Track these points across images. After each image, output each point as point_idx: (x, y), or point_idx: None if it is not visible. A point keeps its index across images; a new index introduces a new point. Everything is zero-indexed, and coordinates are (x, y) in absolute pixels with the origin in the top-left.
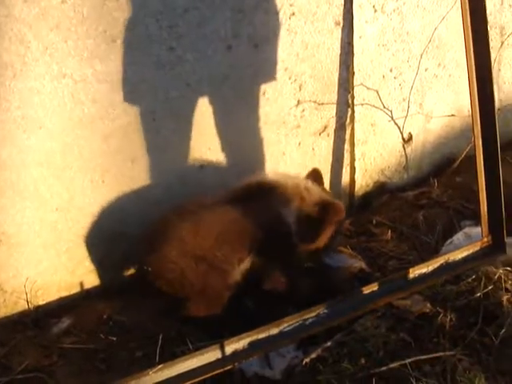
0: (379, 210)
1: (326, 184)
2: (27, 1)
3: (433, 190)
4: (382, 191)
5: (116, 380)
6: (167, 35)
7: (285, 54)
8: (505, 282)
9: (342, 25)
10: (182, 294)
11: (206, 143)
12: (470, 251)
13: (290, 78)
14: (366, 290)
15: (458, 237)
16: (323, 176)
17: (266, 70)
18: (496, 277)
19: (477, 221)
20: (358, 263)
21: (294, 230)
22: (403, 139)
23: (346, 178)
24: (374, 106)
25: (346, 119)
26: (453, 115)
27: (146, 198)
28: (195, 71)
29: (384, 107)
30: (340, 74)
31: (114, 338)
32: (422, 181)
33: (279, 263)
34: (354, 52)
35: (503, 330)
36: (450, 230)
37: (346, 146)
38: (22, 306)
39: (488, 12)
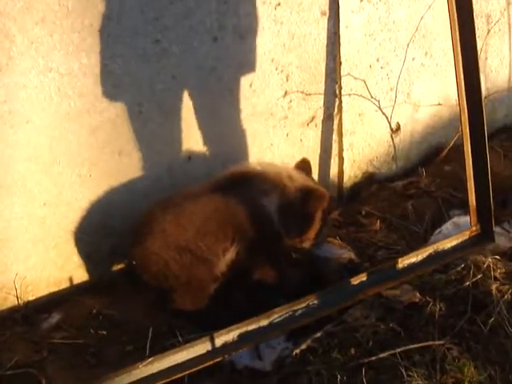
0: (368, 200)
1: (315, 175)
2: None
3: (421, 179)
4: (370, 182)
5: (106, 374)
6: (152, 28)
7: (271, 44)
8: (494, 270)
9: (328, 15)
10: (168, 287)
11: (193, 135)
12: (459, 240)
13: (276, 69)
14: (356, 280)
15: (447, 226)
16: (312, 167)
17: (252, 61)
18: (485, 265)
19: (465, 210)
20: (347, 254)
21: (275, 218)
22: (391, 129)
23: (334, 169)
24: (361, 95)
25: (334, 109)
26: (440, 104)
27: (135, 191)
28: (181, 63)
29: (371, 97)
30: (327, 65)
31: (104, 333)
32: (410, 171)
33: (264, 253)
34: (341, 42)
35: (492, 319)
36: (438, 220)
37: (334, 137)
38: (11, 301)
39: (474, 0)
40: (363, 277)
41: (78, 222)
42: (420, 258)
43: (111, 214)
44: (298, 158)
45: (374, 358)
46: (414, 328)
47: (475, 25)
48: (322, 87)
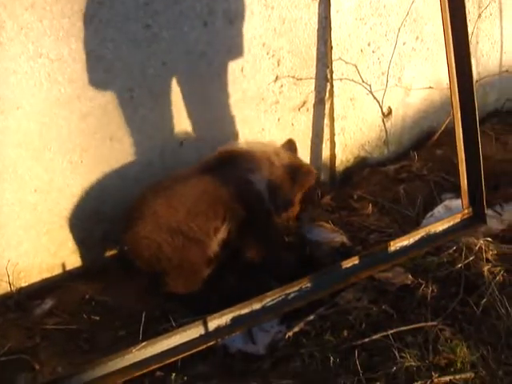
0: (360, 184)
1: (307, 159)
2: None
3: (413, 163)
4: (362, 166)
5: (99, 359)
6: (143, 13)
7: (262, 29)
8: (485, 252)
9: None
10: (160, 270)
11: (184, 120)
12: (451, 223)
13: (267, 54)
14: (348, 263)
15: (439, 209)
16: (304, 152)
17: (243, 45)
18: (477, 247)
19: (457, 193)
20: (340, 237)
21: (264, 194)
22: (383, 113)
23: (326, 153)
24: (352, 80)
25: (325, 94)
26: (431, 87)
27: (126, 177)
28: (171, 48)
29: (363, 81)
30: (318, 49)
31: (97, 318)
32: (402, 155)
33: (256, 229)
34: (332, 26)
35: (484, 300)
36: (430, 203)
37: (326, 121)
38: (4, 288)
39: None
40: (355, 260)
41: (70, 208)
42: (412, 240)
43: (103, 199)
44: None
45: (366, 340)
46: (406, 310)
47: (466, 9)
48: (313, 72)
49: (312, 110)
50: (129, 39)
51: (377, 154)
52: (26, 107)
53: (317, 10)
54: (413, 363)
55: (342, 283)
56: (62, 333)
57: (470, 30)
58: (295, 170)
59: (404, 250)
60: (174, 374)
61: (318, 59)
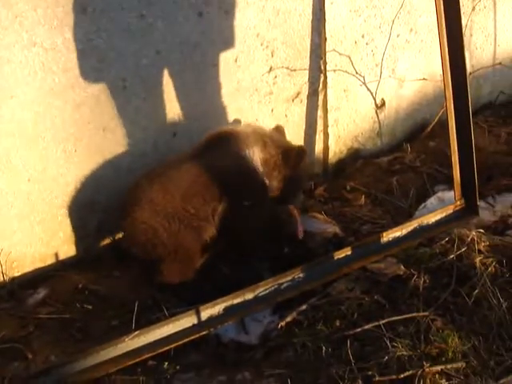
0: (353, 175)
1: None
2: None
3: (406, 155)
4: (355, 157)
5: (92, 348)
6: (137, 2)
7: (256, 20)
8: (478, 243)
9: None
10: (156, 256)
11: (178, 111)
12: (443, 214)
13: (261, 45)
14: (340, 254)
15: (432, 201)
16: (297, 143)
17: (237, 36)
18: (469, 239)
19: (450, 185)
20: (332, 228)
21: (259, 169)
22: (376, 105)
23: (319, 145)
24: (346, 71)
25: (319, 85)
26: (424, 79)
27: (120, 167)
28: (166, 38)
29: (356, 73)
30: (312, 40)
31: (90, 308)
32: (395, 146)
33: (253, 204)
34: (326, 18)
35: (476, 291)
36: (423, 195)
37: (319, 113)
38: None
39: None
40: (348, 251)
41: (64, 197)
42: (405, 231)
43: (97, 189)
44: None
45: (358, 330)
46: (398, 300)
47: (460, 1)
48: (307, 63)
49: (306, 101)
50: (123, 29)
51: (370, 145)
52: (20, 96)
53: (311, 2)
54: (404, 353)
55: (335, 274)
56: (55, 322)
57: (463, 22)
58: (287, 149)
59: (396, 241)
60: (166, 363)
61: (312, 50)
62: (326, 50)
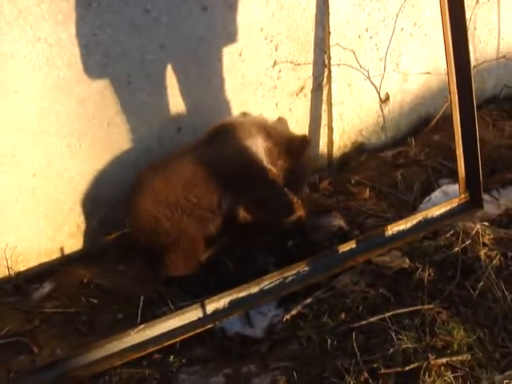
0: (357, 169)
1: None
2: None
3: (410, 149)
4: (360, 151)
5: (98, 342)
6: None
7: (260, 14)
8: (482, 236)
9: None
10: (160, 245)
11: (182, 106)
12: (448, 207)
13: (265, 39)
14: (345, 247)
15: (436, 194)
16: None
17: (241, 30)
18: (474, 232)
19: (454, 179)
20: (337, 222)
21: (263, 157)
22: (380, 99)
23: (324, 139)
24: (350, 66)
25: (323, 79)
26: (428, 73)
27: (124, 162)
28: (170, 33)
29: (360, 67)
30: (316, 34)
31: (95, 302)
32: (399, 140)
33: (259, 191)
34: (330, 12)
35: (481, 283)
36: (427, 188)
37: (324, 107)
38: (2, 272)
39: None
40: (353, 244)
41: (68, 192)
42: (409, 225)
43: (101, 184)
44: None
45: (364, 323)
46: (403, 293)
47: None
48: (311, 57)
49: (310, 95)
50: (127, 24)
51: (374, 139)
52: (25, 91)
53: None
54: (410, 345)
55: (340, 267)
56: (60, 316)
57: (467, 15)
58: (291, 139)
59: (401, 235)
60: (172, 357)
61: (316, 45)
62: (330, 44)
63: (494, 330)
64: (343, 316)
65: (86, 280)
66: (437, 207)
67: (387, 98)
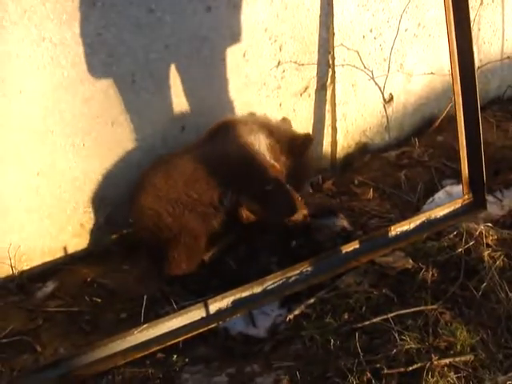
0: (361, 170)
1: None
2: None
3: (414, 149)
4: (363, 152)
5: (101, 341)
6: None
7: (264, 14)
8: (486, 237)
9: None
10: (162, 240)
11: (186, 105)
12: (452, 208)
13: (270, 39)
14: (348, 247)
15: (440, 195)
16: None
17: (245, 30)
18: (477, 233)
19: (458, 180)
20: (341, 222)
21: (266, 154)
22: (384, 100)
23: (327, 139)
24: (354, 66)
25: (327, 80)
26: (432, 74)
27: (128, 161)
28: (174, 33)
29: (364, 68)
30: (320, 35)
31: (99, 301)
32: (403, 141)
33: (262, 187)
34: (334, 12)
35: (484, 284)
36: (431, 189)
37: (327, 107)
38: (6, 271)
39: None
40: (356, 244)
41: (72, 191)
42: (413, 225)
43: (105, 183)
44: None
45: (367, 323)
46: (406, 294)
47: None
48: (315, 57)
49: (314, 95)
50: (132, 23)
51: (378, 140)
52: (29, 91)
53: None
54: (413, 346)
55: (343, 267)
56: (63, 315)
57: (472, 16)
58: (294, 136)
59: (404, 235)
60: (175, 356)
61: (320, 45)
62: (334, 44)
63: (497, 330)
64: (346, 316)
65: (89, 279)
66: (440, 208)
67: (391, 98)
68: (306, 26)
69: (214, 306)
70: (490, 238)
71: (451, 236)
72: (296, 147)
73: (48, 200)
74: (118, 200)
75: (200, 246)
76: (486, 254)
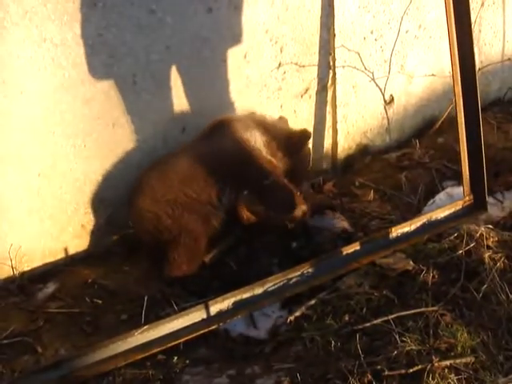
0: (362, 171)
1: (309, 146)
2: None
3: (415, 151)
4: (364, 153)
5: (102, 342)
6: None
7: (265, 15)
8: (486, 239)
9: None
10: (162, 242)
11: (187, 106)
12: (452, 210)
13: (270, 40)
14: (349, 249)
15: (440, 197)
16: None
17: (246, 32)
18: (478, 234)
19: (459, 181)
20: (341, 223)
21: (263, 150)
22: (385, 101)
23: (328, 141)
24: (355, 67)
25: (328, 81)
26: (433, 75)
27: (129, 162)
28: (175, 34)
29: (365, 69)
30: (321, 36)
31: (100, 302)
32: (404, 142)
33: (262, 182)
34: (335, 14)
35: (485, 286)
36: (432, 191)
37: (328, 109)
38: (6, 272)
39: None
40: (357, 246)
41: (73, 192)
42: (413, 227)
43: (106, 184)
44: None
45: (367, 325)
46: (407, 295)
47: None
48: (315, 59)
49: (314, 97)
50: (133, 24)
51: (379, 141)
52: (30, 91)
53: None
54: (413, 347)
55: (344, 268)
56: (64, 316)
57: (472, 18)
58: (291, 132)
59: (405, 237)
60: (175, 357)
61: (321, 46)
62: (335, 45)
63: (497, 332)
64: (347, 318)
65: (90, 280)
66: (441, 209)
67: (392, 99)
68: (307, 27)
69: (215, 307)
70: (491, 239)
71: (452, 238)
72: (293, 144)
73: (49, 201)
74: (118, 201)
75: (200, 247)
76: (486, 255)
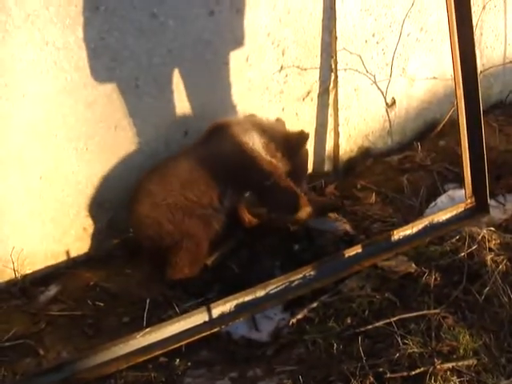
0: (363, 174)
1: (311, 149)
2: None
3: (416, 154)
4: (366, 156)
5: (104, 344)
6: (149, 1)
7: (267, 19)
8: (488, 241)
9: None
10: (164, 247)
11: (189, 109)
12: (454, 212)
13: (272, 43)
14: (351, 251)
15: (442, 199)
16: (308, 142)
17: (248, 35)
18: (480, 237)
19: (460, 184)
20: (343, 226)
21: (262, 151)
22: (386, 104)
23: (330, 143)
24: (357, 70)
25: (330, 84)
26: (435, 78)
27: (131, 165)
28: (177, 37)
29: (367, 72)
30: (323, 39)
31: (101, 304)
32: (405, 145)
33: (263, 184)
34: (337, 17)
35: (487, 288)
36: (433, 193)
37: (330, 111)
38: (8, 275)
39: None
40: (359, 248)
41: (75, 195)
42: (415, 230)
43: (108, 187)
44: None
45: (369, 327)
46: (409, 298)
47: (471, 0)
48: (317, 62)
49: (316, 100)
50: (135, 28)
51: (380, 144)
52: (32, 95)
53: (322, 0)
54: (415, 350)
55: (346, 271)
56: (66, 319)
57: (474, 21)
58: (289, 133)
59: (407, 239)
60: (177, 360)
61: (323, 49)
62: (337, 48)
63: (499, 335)
64: (349, 320)
65: (92, 283)
66: (443, 212)
67: (393, 102)
68: (309, 30)
69: (217, 310)
70: (493, 242)
71: (454, 240)
72: (291, 145)
73: (51, 204)
74: (120, 204)
75: (202, 250)
76: (488, 258)
